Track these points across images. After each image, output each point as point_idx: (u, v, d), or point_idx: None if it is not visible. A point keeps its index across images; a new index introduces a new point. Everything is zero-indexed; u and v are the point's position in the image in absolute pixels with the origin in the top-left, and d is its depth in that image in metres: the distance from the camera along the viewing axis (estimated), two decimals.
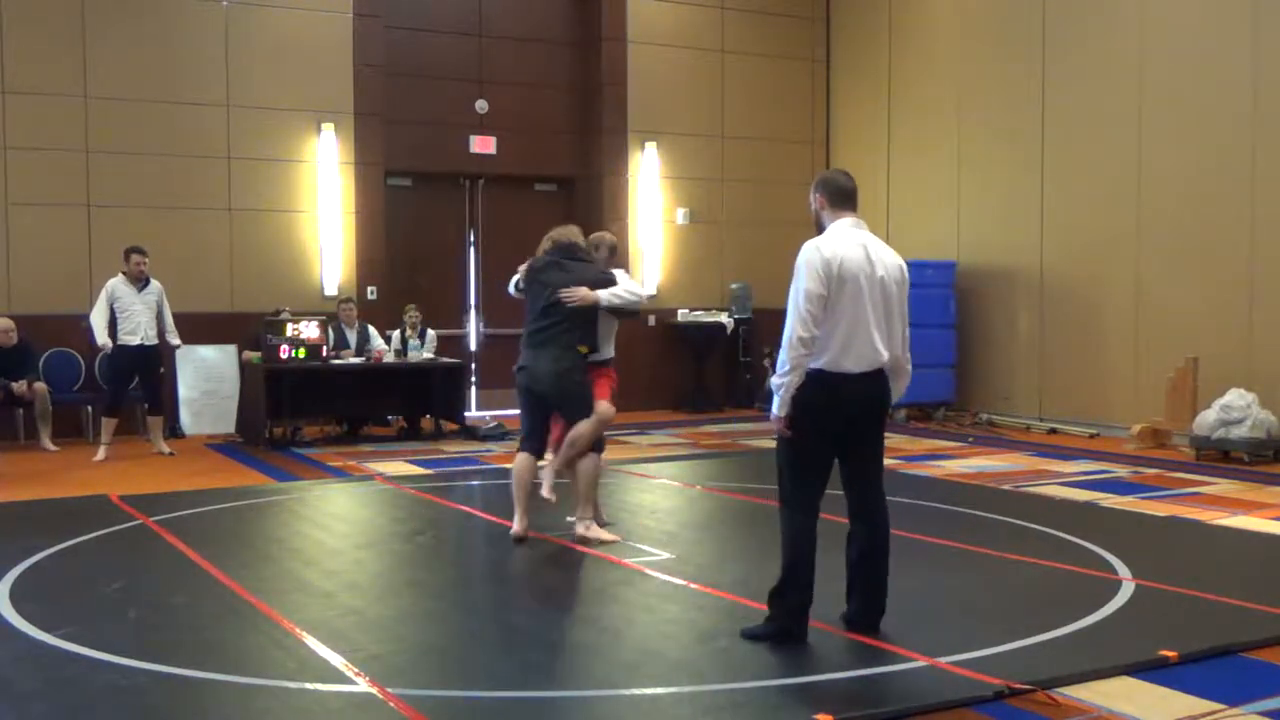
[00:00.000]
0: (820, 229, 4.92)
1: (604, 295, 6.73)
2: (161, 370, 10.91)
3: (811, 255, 4.71)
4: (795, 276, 4.72)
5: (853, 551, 4.92)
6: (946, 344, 13.02)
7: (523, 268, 6.97)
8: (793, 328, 4.66)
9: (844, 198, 4.93)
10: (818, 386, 4.69)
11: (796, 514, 4.80)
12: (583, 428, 6.67)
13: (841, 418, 4.76)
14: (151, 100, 12.12)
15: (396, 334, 12.16)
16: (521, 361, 6.78)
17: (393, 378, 12.02)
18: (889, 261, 4.85)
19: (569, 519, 6.97)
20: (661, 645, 4.90)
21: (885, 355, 4.78)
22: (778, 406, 4.73)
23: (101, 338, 10.33)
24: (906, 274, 4.93)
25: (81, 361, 11.86)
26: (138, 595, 5.71)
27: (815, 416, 4.72)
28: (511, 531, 6.79)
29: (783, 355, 4.71)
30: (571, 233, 6.99)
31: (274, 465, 10.09)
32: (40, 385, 11.13)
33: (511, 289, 7.10)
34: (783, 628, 4.77)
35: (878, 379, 4.81)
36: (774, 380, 4.76)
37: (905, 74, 14.24)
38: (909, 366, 4.96)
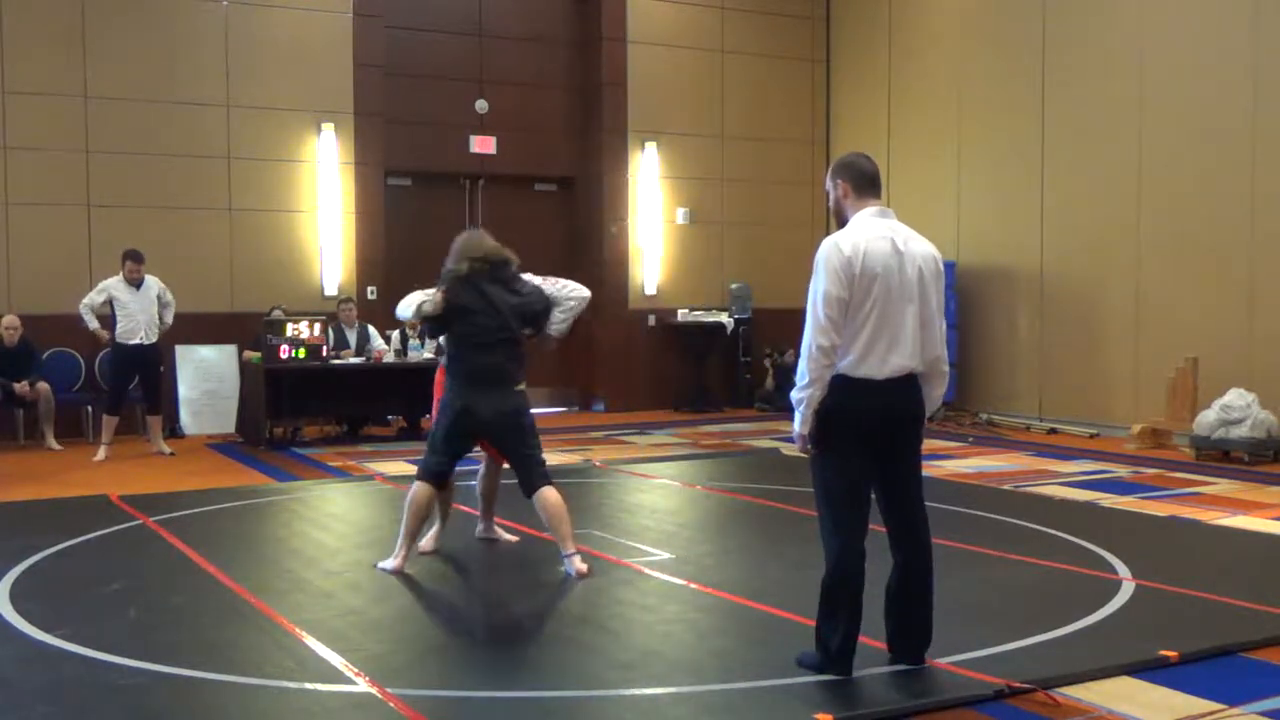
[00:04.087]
0: (842, 221, 4.41)
1: (556, 330, 6.08)
2: (161, 369, 10.91)
3: (831, 253, 4.22)
4: (814, 276, 4.25)
5: (892, 579, 4.44)
6: (947, 344, 12.99)
7: (438, 294, 5.94)
8: (811, 335, 4.19)
9: (868, 183, 4.40)
10: (839, 394, 4.23)
11: (833, 538, 4.30)
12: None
13: (867, 429, 4.28)
14: (151, 100, 12.12)
15: (396, 334, 12.15)
16: (466, 402, 5.92)
17: (393, 378, 12.01)
18: (921, 253, 4.33)
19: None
20: (661, 645, 4.90)
21: (915, 361, 4.30)
22: (799, 423, 4.26)
23: (93, 324, 10.41)
24: (941, 265, 4.43)
25: (82, 361, 11.86)
26: (138, 595, 5.71)
27: (839, 427, 4.26)
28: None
29: (801, 366, 4.24)
30: (495, 244, 6.10)
31: (274, 465, 10.09)
32: (43, 385, 11.13)
33: (411, 313, 6.03)
34: (829, 668, 4.36)
35: (907, 387, 4.33)
36: (793, 394, 4.28)
37: (905, 74, 14.24)
38: (946, 368, 4.49)
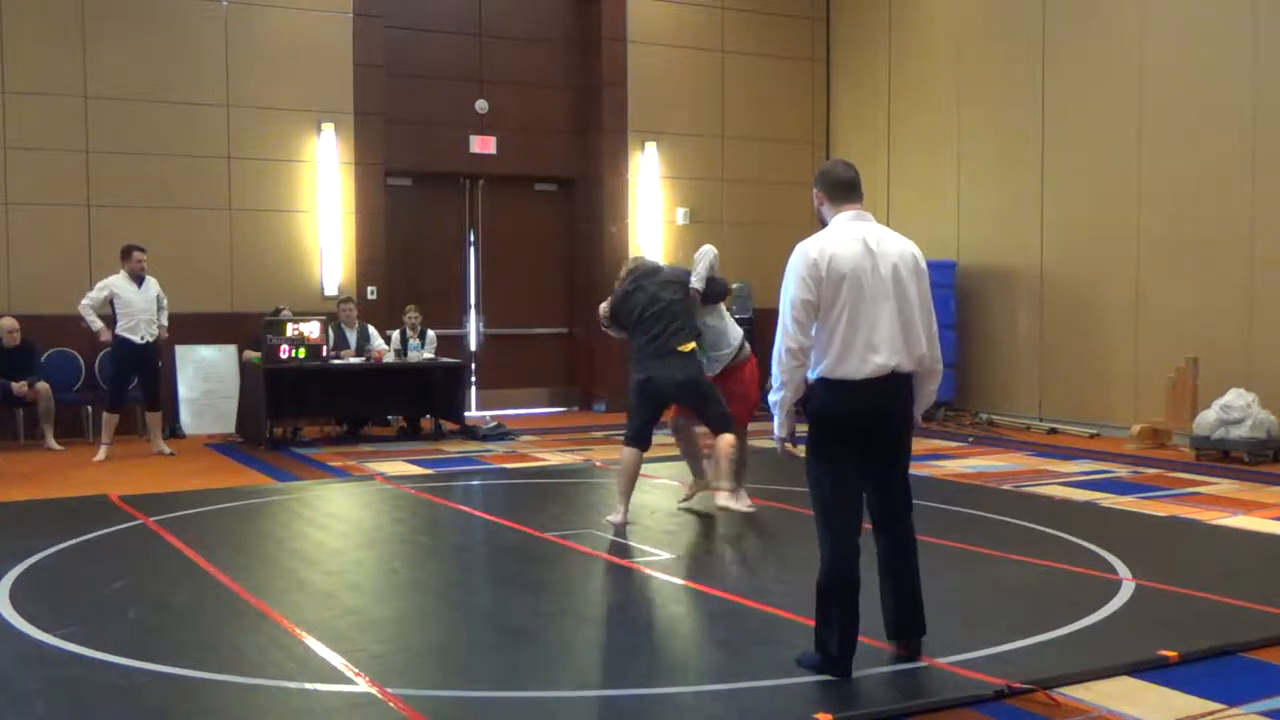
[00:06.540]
0: (825, 225, 4.52)
1: (695, 281, 7.37)
2: (160, 365, 10.90)
3: (797, 258, 4.33)
4: (784, 281, 4.35)
5: (879, 567, 4.53)
6: (947, 344, 12.81)
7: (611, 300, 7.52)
8: (781, 339, 4.29)
9: (844, 189, 4.49)
10: (824, 396, 4.31)
11: (827, 539, 4.34)
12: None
13: (856, 429, 4.32)
14: (151, 100, 12.12)
15: (396, 334, 12.16)
16: (648, 373, 7.13)
17: (393, 378, 12.02)
18: (897, 251, 4.37)
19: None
20: (661, 645, 4.90)
21: (899, 359, 4.30)
22: (778, 426, 4.39)
23: (96, 324, 10.35)
24: (923, 262, 4.44)
25: (81, 361, 11.86)
26: (138, 595, 5.71)
27: (829, 429, 4.32)
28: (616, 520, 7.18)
29: (774, 370, 4.34)
30: (644, 261, 7.77)
31: (274, 465, 10.09)
32: (43, 385, 11.12)
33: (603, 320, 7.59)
34: (828, 669, 4.39)
35: (893, 386, 4.33)
36: (769, 398, 4.40)
37: (905, 74, 14.24)
38: (939, 367, 4.44)
